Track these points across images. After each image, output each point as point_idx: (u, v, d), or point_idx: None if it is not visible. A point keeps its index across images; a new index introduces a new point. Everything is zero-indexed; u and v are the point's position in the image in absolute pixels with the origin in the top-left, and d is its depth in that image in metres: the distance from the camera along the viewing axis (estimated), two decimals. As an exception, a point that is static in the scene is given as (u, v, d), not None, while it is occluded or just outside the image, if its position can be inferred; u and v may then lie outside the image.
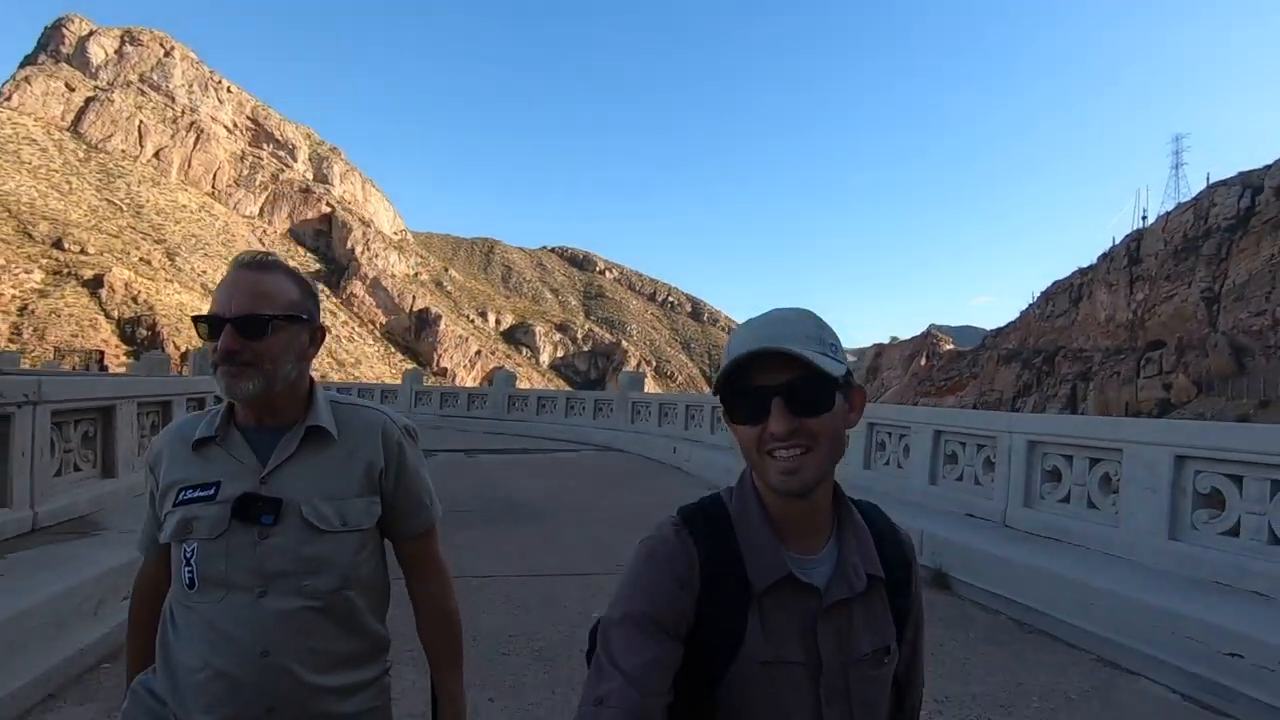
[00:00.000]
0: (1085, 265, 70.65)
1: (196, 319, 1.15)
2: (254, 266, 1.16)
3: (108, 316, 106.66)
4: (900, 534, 1.03)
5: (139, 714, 1.19)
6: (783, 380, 0.82)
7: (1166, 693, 3.50)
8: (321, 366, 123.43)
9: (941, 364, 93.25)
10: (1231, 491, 4.34)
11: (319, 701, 1.14)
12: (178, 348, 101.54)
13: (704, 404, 13.99)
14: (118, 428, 5.35)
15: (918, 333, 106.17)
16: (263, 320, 1.11)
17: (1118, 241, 67.60)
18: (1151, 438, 4.82)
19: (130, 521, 4.75)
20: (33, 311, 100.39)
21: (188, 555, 1.13)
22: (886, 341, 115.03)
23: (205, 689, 1.09)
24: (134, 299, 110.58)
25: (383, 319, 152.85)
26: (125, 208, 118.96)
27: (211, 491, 1.14)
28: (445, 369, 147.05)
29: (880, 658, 0.93)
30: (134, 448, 5.61)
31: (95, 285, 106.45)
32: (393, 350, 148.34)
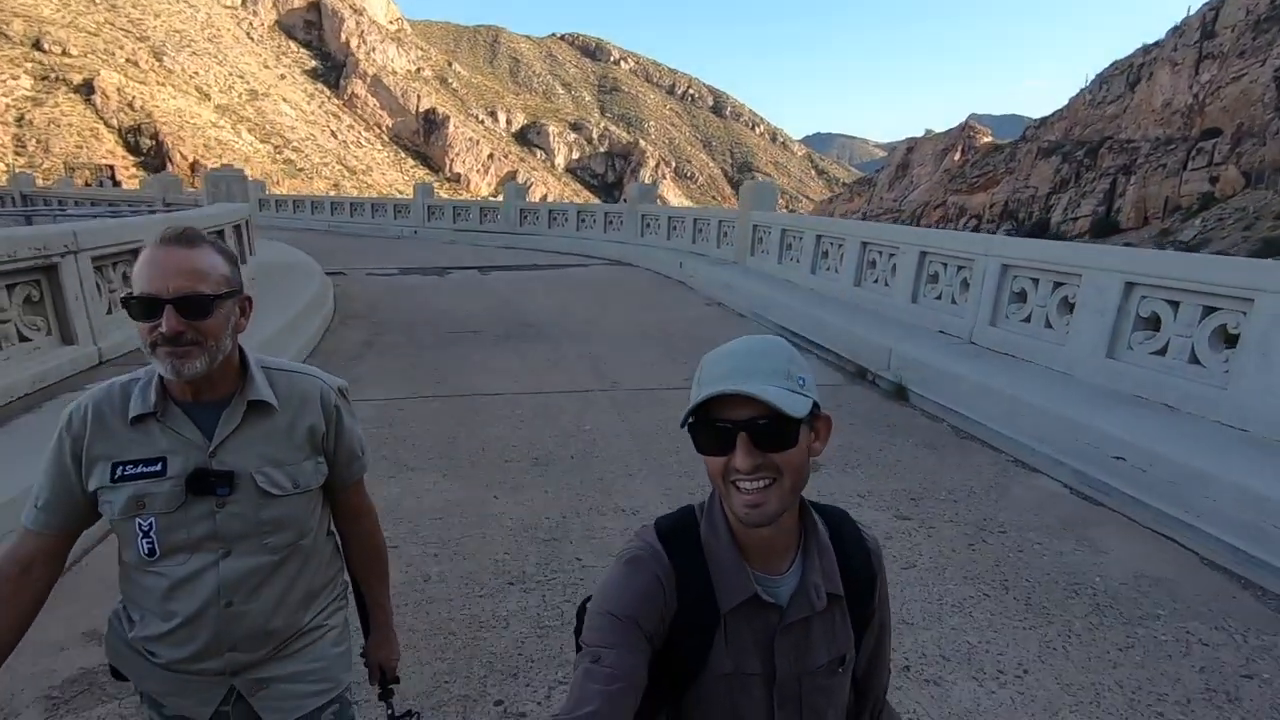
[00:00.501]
0: (1151, 42, 63.58)
1: (127, 299, 1.12)
2: (182, 242, 1.13)
3: (108, 125, 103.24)
4: (867, 544, 1.04)
5: (120, 645, 1.28)
6: (747, 416, 0.83)
7: (1058, 487, 4.19)
8: (333, 175, 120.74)
9: (976, 158, 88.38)
10: (1168, 315, 4.70)
11: (278, 629, 1.27)
12: (184, 157, 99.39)
13: (710, 218, 14.04)
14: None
15: (956, 125, 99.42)
16: (205, 300, 1.11)
17: (1193, 11, 60.12)
18: (1108, 264, 5.07)
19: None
20: (31, 122, 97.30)
21: (144, 528, 1.17)
22: (921, 135, 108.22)
23: (175, 633, 1.20)
24: (130, 105, 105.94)
25: (388, 121, 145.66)
26: (99, 0, 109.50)
27: (158, 468, 1.16)
28: (459, 174, 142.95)
29: (834, 667, 0.97)
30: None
31: (88, 91, 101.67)
32: (402, 155, 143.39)
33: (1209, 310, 4.45)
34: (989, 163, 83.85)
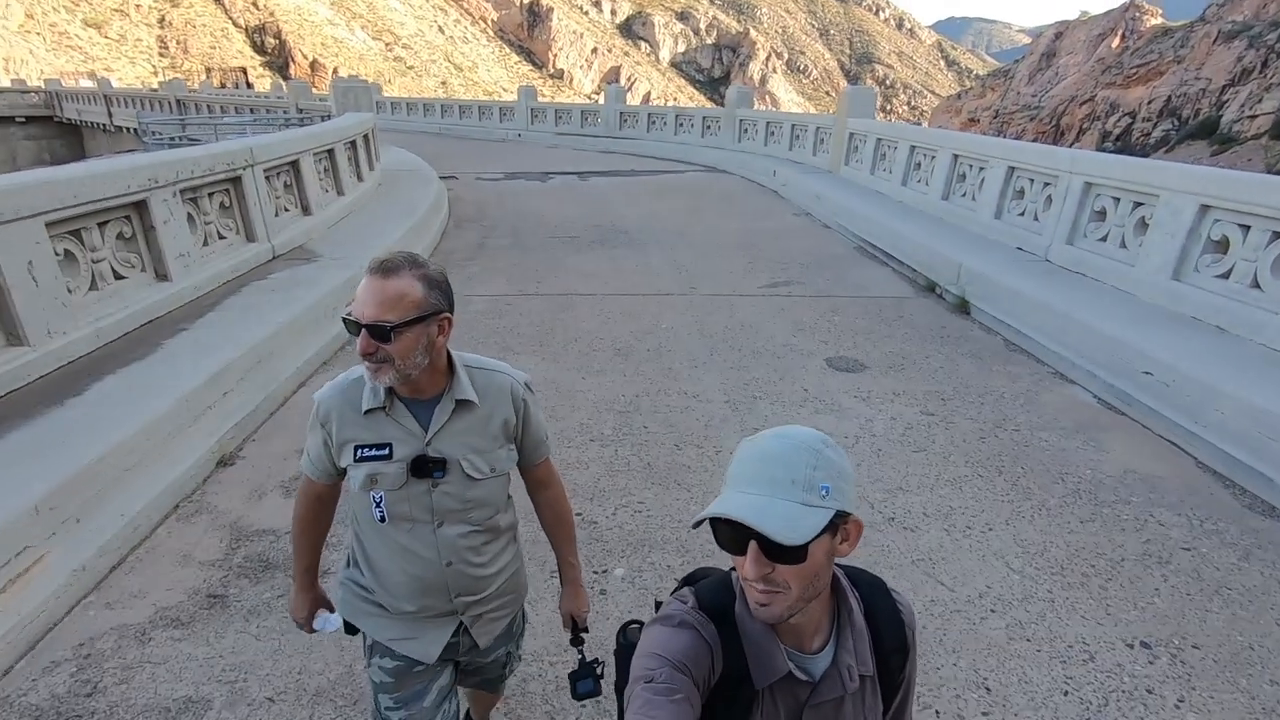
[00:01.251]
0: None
1: (345, 320, 1.34)
2: (383, 272, 1.30)
3: (236, 25, 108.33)
4: (901, 615, 1.04)
5: (355, 601, 1.55)
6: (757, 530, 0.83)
7: (1088, 397, 4.57)
8: (441, 72, 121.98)
9: (1138, 44, 77.10)
10: (1237, 239, 4.77)
11: (486, 581, 1.56)
12: (304, 56, 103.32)
13: (808, 124, 13.83)
14: (304, 176, 6.94)
15: (1119, 4, 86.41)
16: (387, 329, 1.28)
17: None
18: (1186, 186, 5.07)
19: (331, 250, 6.55)
20: (170, 23, 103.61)
21: (377, 500, 1.42)
22: (1074, 18, 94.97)
23: (407, 587, 1.47)
24: (254, 4, 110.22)
25: (493, 14, 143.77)
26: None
27: (386, 452, 1.39)
28: (561, 70, 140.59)
29: None
30: (318, 189, 7.27)
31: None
32: (506, 51, 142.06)
33: (1277, 235, 4.50)
34: (1153, 49, 72.92)
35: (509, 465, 1.53)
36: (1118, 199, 5.84)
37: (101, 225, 4.28)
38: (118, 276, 4.44)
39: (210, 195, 5.51)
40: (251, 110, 21.24)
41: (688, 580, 1.10)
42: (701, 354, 5.18)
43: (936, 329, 5.81)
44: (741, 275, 7.28)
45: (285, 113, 18.13)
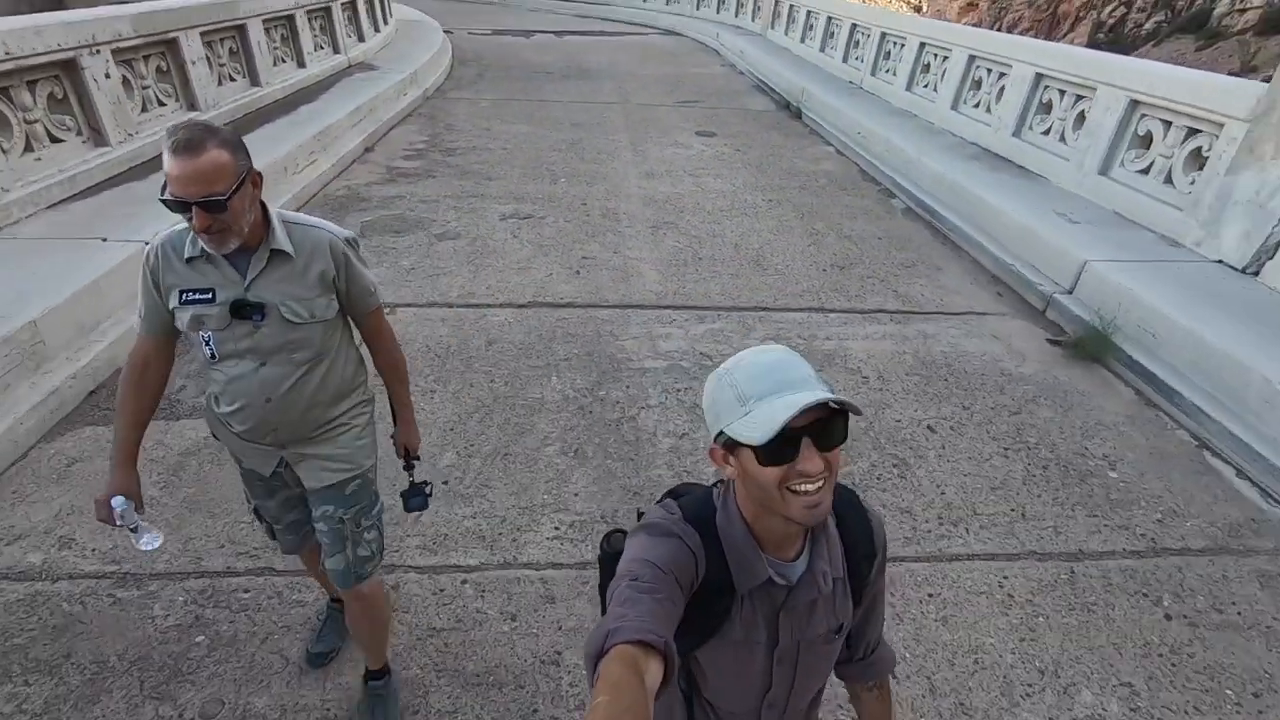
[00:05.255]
0: None
1: (163, 201, 1.41)
2: (190, 149, 1.37)
3: None
4: (871, 523, 1.10)
5: (212, 419, 1.76)
6: (812, 420, 0.86)
7: (830, 149, 8.16)
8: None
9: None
10: (1159, 135, 5.09)
11: (306, 425, 1.72)
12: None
13: (747, -5, 16.54)
14: (359, 12, 10.00)
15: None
16: (221, 200, 1.40)
17: None
18: (1118, 81, 5.40)
19: (384, 64, 9.70)
20: None
21: (205, 340, 1.57)
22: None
23: (235, 416, 1.67)
24: None
25: None
26: None
27: (210, 296, 1.54)
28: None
29: (831, 635, 1.07)
30: (368, 24, 10.34)
31: None
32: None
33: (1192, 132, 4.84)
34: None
35: (329, 313, 1.66)
36: (1063, 91, 8.94)
37: (245, 31, 7.57)
38: (300, 61, 7.79)
39: (311, 17, 8.67)
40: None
41: (670, 494, 1.15)
42: (622, 125, 8.66)
43: (775, 122, 9.30)
44: (664, 97, 10.61)
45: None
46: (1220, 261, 4.48)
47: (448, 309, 4.26)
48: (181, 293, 1.55)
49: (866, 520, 1.10)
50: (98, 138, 4.91)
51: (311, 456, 1.75)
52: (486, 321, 4.15)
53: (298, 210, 3.35)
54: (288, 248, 1.58)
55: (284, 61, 7.76)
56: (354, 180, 6.30)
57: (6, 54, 4.11)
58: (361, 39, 10.17)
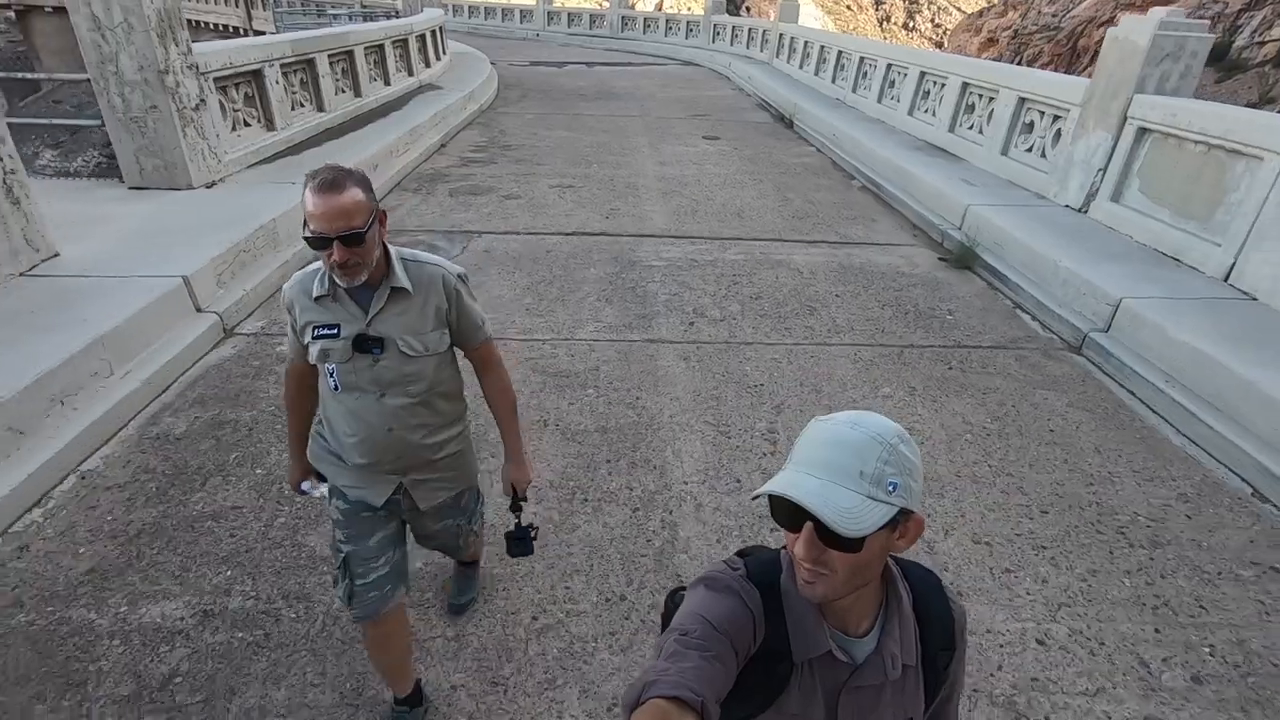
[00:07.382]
0: None
1: (306, 239, 1.52)
2: (332, 188, 1.48)
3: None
4: (952, 614, 1.03)
5: (320, 452, 1.85)
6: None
7: (812, 148, 10.00)
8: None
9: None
10: (1039, 123, 6.85)
11: (425, 451, 1.82)
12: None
13: (759, 28, 18.68)
14: (428, 42, 12.19)
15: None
16: (360, 234, 1.51)
17: None
18: (1014, 84, 7.18)
19: (447, 84, 11.84)
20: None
21: (330, 372, 1.70)
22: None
23: (357, 447, 1.75)
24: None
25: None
26: None
27: (335, 331, 1.65)
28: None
29: None
30: (433, 52, 12.52)
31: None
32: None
33: (1056, 118, 6.62)
34: (1163, -29, 73.23)
35: (441, 346, 1.76)
36: (983, 95, 11.05)
37: (353, 55, 9.70)
38: (386, 80, 9.91)
39: (394, 45, 10.84)
40: (317, 5, 25.71)
41: (739, 553, 1.06)
42: (643, 131, 10.63)
43: (770, 131, 11.21)
44: (679, 112, 12.62)
45: (350, 8, 22.63)
46: (1067, 206, 6.21)
47: (516, 236, 6.14)
48: (314, 329, 1.68)
49: (948, 608, 1.03)
50: (269, 125, 6.95)
51: (426, 480, 1.88)
52: (544, 242, 6.02)
53: (401, 180, 4.62)
54: (406, 285, 1.68)
55: (375, 80, 9.88)
56: (437, 165, 8.30)
57: (230, 64, 6.17)
58: (428, 65, 12.37)
